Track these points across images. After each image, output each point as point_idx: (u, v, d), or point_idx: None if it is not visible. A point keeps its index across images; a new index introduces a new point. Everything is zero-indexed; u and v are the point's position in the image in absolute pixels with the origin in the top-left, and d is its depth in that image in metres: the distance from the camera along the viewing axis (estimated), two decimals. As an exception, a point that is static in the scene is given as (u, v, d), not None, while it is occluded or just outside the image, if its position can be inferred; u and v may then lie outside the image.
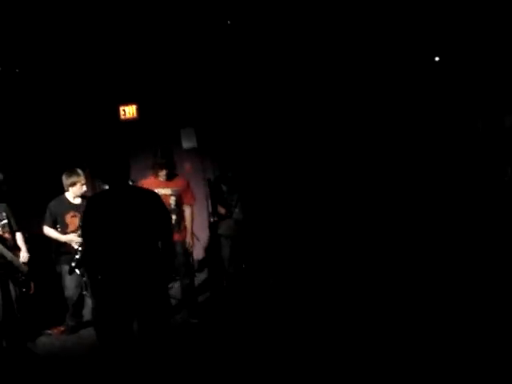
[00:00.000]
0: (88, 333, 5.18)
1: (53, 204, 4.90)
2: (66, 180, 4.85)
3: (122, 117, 7.41)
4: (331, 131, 6.76)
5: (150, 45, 6.74)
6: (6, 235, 4.57)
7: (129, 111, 7.37)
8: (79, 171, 4.86)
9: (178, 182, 5.16)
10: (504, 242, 4.84)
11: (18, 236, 4.75)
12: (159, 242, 3.62)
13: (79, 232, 4.76)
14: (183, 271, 5.25)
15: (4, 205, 4.66)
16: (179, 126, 7.24)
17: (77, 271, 4.77)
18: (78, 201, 4.91)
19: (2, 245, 4.47)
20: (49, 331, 5.25)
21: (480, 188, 5.61)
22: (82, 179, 4.83)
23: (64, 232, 4.84)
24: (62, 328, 5.26)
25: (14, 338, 4.57)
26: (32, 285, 4.68)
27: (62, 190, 4.95)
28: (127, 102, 7.35)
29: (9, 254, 4.50)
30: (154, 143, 7.09)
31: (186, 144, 7.16)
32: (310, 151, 6.76)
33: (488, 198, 5.37)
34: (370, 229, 6.11)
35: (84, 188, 4.87)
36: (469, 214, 5.49)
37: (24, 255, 4.65)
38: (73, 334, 5.20)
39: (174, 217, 4.87)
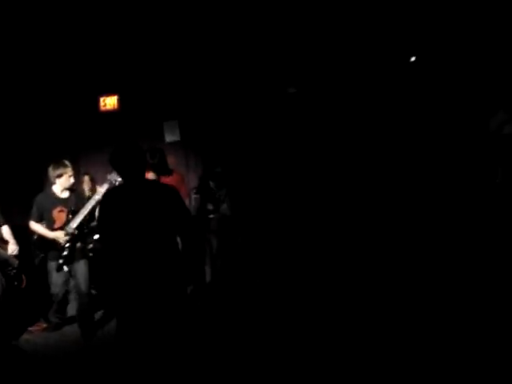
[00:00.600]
0: (71, 329, 5.06)
1: (39, 198, 4.71)
2: (52, 172, 4.65)
3: (102, 108, 7.23)
4: (320, 124, 6.75)
5: (132, 34, 6.58)
6: None
7: (109, 102, 7.19)
8: (67, 162, 4.67)
9: (174, 178, 5.08)
10: (497, 243, 4.92)
11: (5, 229, 4.57)
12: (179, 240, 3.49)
13: (66, 228, 4.62)
14: None
15: None
16: (162, 118, 7.12)
17: (65, 268, 4.62)
18: (65, 194, 4.73)
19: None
20: (30, 328, 5.09)
21: (472, 190, 5.70)
22: (70, 171, 4.64)
23: (51, 228, 4.64)
24: (45, 325, 5.11)
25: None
26: (24, 278, 4.53)
27: (41, 182, 4.78)
28: (108, 93, 7.17)
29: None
30: (135, 136, 7.01)
31: (169, 137, 7.05)
32: (298, 146, 6.73)
33: (480, 200, 5.45)
34: (356, 222, 6.14)
35: (72, 180, 4.68)
36: (461, 216, 5.56)
37: (12, 248, 4.48)
38: (55, 331, 5.05)
39: None
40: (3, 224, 4.57)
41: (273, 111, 6.84)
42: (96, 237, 5.36)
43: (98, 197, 4.65)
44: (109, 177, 4.90)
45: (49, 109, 6.96)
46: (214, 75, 6.86)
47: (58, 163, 4.64)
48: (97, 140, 7.21)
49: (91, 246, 5.39)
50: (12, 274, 4.51)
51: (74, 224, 4.63)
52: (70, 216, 4.63)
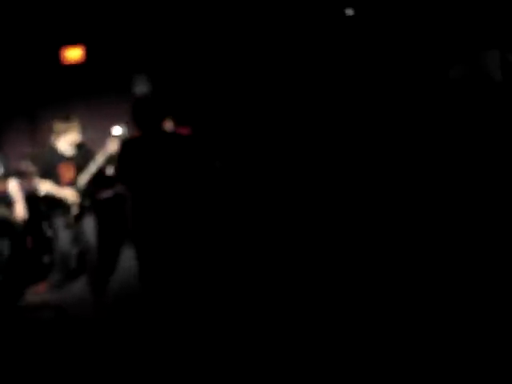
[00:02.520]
0: (73, 288, 5.03)
1: (42, 155, 4.54)
2: (58, 127, 4.47)
3: (64, 61, 6.87)
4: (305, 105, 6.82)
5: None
6: (3, 187, 4.21)
7: (73, 54, 6.84)
8: (74, 117, 4.52)
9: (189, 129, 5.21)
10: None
11: (13, 184, 4.38)
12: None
13: (76, 185, 4.53)
14: None
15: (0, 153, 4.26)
16: (132, 71, 6.92)
17: (74, 225, 4.55)
18: (71, 151, 4.58)
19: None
20: (34, 289, 4.99)
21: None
22: (77, 126, 4.51)
23: (57, 185, 4.52)
24: (45, 284, 5.03)
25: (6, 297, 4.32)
26: (30, 240, 4.40)
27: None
28: (72, 44, 6.81)
29: (4, 211, 4.17)
30: (103, 89, 6.80)
31: (139, 90, 6.89)
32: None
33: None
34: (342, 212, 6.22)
35: (78, 136, 4.56)
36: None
37: (20, 210, 4.32)
38: (59, 289, 5.00)
39: None
40: (9, 176, 4.38)
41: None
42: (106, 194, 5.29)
43: (106, 152, 4.59)
44: (116, 132, 4.84)
45: (7, 62, 6.52)
46: (187, 26, 6.71)
47: (65, 118, 4.48)
48: (60, 95, 6.91)
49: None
50: (18, 235, 4.36)
51: (83, 180, 4.55)
52: (78, 172, 4.54)
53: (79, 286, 5.08)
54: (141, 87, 6.77)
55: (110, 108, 6.74)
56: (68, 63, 6.85)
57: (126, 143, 3.62)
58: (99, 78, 6.85)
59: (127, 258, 5.72)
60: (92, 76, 6.85)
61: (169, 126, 5.03)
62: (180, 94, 6.83)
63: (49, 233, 5.01)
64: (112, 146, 4.44)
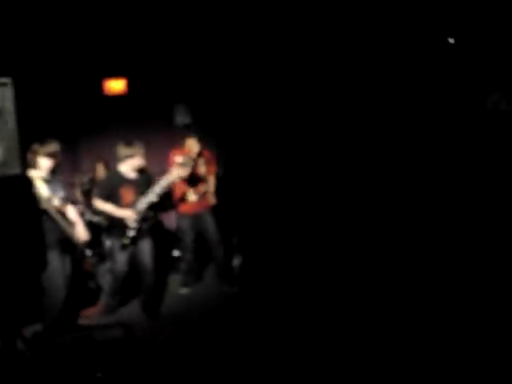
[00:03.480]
0: (124, 311, 5.05)
1: (107, 178, 4.66)
2: (123, 151, 4.61)
3: (107, 92, 7.06)
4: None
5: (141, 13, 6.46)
6: (64, 209, 4.28)
7: (116, 85, 7.03)
8: (138, 143, 4.66)
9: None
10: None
11: (71, 209, 4.47)
12: None
13: (136, 207, 4.61)
14: (217, 240, 5.43)
15: (61, 177, 4.35)
16: (172, 101, 7.09)
17: (131, 247, 4.60)
18: (133, 175, 4.70)
19: (62, 218, 4.19)
20: (85, 313, 4.97)
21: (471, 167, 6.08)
22: (141, 152, 4.64)
23: (118, 206, 4.61)
24: (99, 308, 5.03)
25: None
26: (89, 262, 4.44)
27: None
28: (114, 76, 7.01)
29: (69, 230, 4.23)
30: (144, 119, 6.95)
31: (180, 120, 7.04)
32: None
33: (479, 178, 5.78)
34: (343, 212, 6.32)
35: (142, 161, 4.67)
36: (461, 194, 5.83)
37: (80, 231, 4.37)
38: (112, 313, 5.00)
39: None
40: (68, 204, 4.45)
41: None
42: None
43: (168, 178, 4.70)
44: (179, 160, 4.96)
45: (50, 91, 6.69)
46: (226, 57, 6.90)
47: (130, 143, 4.61)
48: (102, 124, 7.07)
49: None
50: (79, 256, 4.41)
51: (143, 204, 4.63)
52: (139, 196, 4.63)
53: (131, 310, 5.09)
54: (182, 117, 6.91)
55: (149, 136, 6.88)
56: (110, 94, 7.03)
57: None
58: (140, 108, 7.01)
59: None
60: (133, 106, 7.01)
61: (195, 147, 5.28)
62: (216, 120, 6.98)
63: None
64: (175, 173, 4.59)
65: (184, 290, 5.52)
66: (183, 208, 5.43)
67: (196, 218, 5.39)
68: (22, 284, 4.08)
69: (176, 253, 6.53)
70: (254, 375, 3.54)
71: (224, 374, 3.61)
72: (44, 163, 4.14)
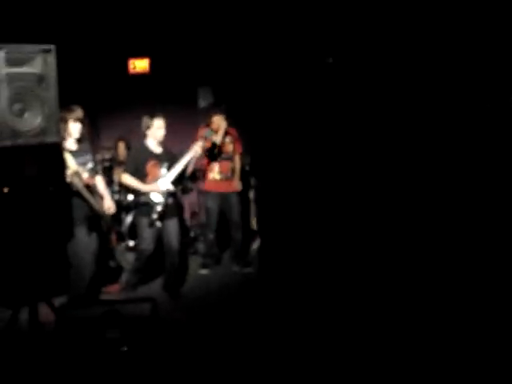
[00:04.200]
0: (145, 289, 5.03)
1: (134, 151, 4.63)
2: (148, 122, 4.56)
3: (132, 71, 7.03)
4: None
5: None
6: (93, 181, 4.26)
7: (140, 65, 7.00)
8: (159, 114, 4.59)
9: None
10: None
11: (99, 181, 4.44)
12: None
13: (161, 183, 4.59)
14: (238, 223, 5.43)
15: (88, 145, 4.33)
16: (196, 83, 7.05)
17: (157, 224, 4.58)
18: (159, 149, 4.67)
19: (90, 193, 4.17)
20: (106, 289, 4.98)
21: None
22: (163, 123, 4.58)
23: (143, 182, 4.59)
24: (121, 285, 5.02)
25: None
26: (114, 237, 4.43)
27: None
28: (139, 56, 6.98)
29: (97, 205, 4.21)
30: (166, 101, 6.91)
31: (203, 103, 7.00)
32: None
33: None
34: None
35: (163, 132, 4.61)
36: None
37: (109, 204, 4.35)
38: (133, 291, 4.99)
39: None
40: (98, 175, 4.44)
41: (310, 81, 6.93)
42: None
43: (192, 153, 4.66)
44: (203, 133, 4.92)
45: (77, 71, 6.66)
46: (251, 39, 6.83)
47: (154, 115, 4.57)
48: (125, 104, 7.04)
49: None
50: (105, 231, 4.39)
51: (169, 179, 4.61)
52: (165, 171, 4.60)
53: (153, 288, 5.09)
54: (206, 99, 6.87)
55: (172, 117, 6.86)
56: (135, 73, 7.00)
57: None
58: (164, 88, 6.97)
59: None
60: (157, 87, 6.97)
61: (223, 124, 5.24)
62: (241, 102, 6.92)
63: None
64: (199, 145, 4.55)
65: (204, 271, 5.51)
66: (209, 185, 5.41)
67: (222, 197, 5.38)
68: (49, 257, 4.07)
69: (192, 233, 6.55)
70: (268, 356, 3.58)
71: (239, 353, 3.64)
72: (74, 128, 4.12)
